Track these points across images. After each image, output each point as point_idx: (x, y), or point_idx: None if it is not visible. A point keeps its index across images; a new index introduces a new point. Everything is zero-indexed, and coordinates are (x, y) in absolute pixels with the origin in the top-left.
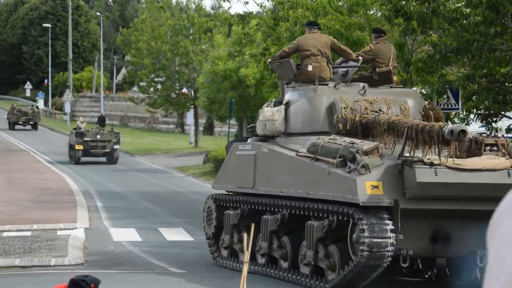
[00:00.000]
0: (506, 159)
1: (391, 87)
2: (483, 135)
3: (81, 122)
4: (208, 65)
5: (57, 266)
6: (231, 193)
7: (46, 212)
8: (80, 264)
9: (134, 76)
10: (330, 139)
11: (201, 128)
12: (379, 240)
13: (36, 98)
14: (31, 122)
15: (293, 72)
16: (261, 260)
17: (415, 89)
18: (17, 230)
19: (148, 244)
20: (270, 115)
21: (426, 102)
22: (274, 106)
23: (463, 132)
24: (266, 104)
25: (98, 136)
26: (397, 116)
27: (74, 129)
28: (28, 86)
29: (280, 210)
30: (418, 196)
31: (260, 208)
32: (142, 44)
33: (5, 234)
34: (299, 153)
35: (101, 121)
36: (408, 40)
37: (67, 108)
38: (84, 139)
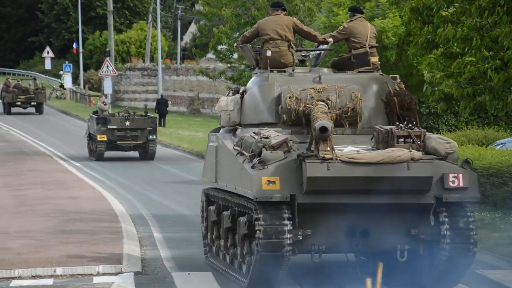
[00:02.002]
0: (409, 151)
1: (359, 72)
2: (398, 127)
3: (104, 103)
4: (322, 15)
5: None
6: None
7: (75, 248)
8: None
9: (208, 36)
10: (254, 132)
11: None
12: (273, 233)
13: (61, 72)
14: (33, 103)
15: (253, 58)
16: (227, 260)
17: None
18: (32, 277)
19: None
20: (224, 105)
21: (395, 87)
22: (233, 95)
23: (323, 129)
24: (227, 93)
25: (127, 123)
26: (347, 106)
27: (95, 112)
28: (48, 53)
29: (231, 206)
30: (313, 191)
31: (223, 204)
32: None
33: (14, 283)
34: (234, 147)
35: (161, 106)
36: None
37: (108, 86)
38: (109, 126)
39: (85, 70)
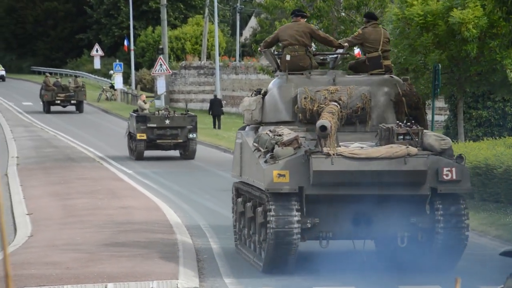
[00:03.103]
0: (407, 147)
1: (371, 74)
2: (398, 125)
3: (144, 101)
4: (395, 6)
5: None
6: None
7: (128, 262)
8: None
9: (269, 31)
10: (269, 130)
11: None
12: (283, 222)
13: (111, 72)
14: (73, 101)
15: (274, 62)
16: (252, 247)
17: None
18: None
19: None
20: (247, 104)
21: (406, 88)
22: (255, 95)
23: (322, 127)
24: (251, 94)
25: (167, 121)
26: (357, 105)
27: (135, 111)
28: (97, 52)
29: (252, 198)
30: (319, 183)
31: (248, 196)
32: None
33: None
34: (253, 143)
35: (215, 106)
36: None
37: (161, 87)
38: (148, 125)
39: (136, 69)
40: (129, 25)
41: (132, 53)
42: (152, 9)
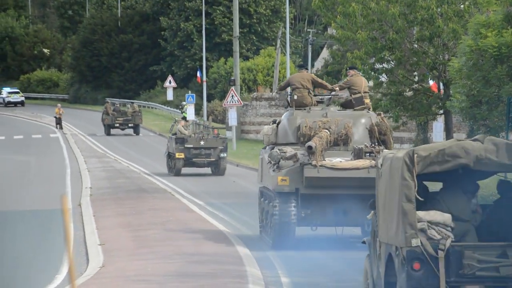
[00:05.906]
0: (370, 161)
1: (354, 110)
2: (365, 146)
3: (184, 127)
4: (468, 38)
5: None
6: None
7: None
8: None
9: (341, 62)
10: (278, 148)
11: None
12: (284, 212)
13: (183, 103)
14: (130, 124)
15: (286, 100)
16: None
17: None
18: None
19: None
20: (266, 131)
21: (378, 120)
22: (272, 124)
23: (309, 147)
24: (270, 123)
25: (202, 143)
26: (342, 132)
27: (174, 134)
28: (170, 83)
29: (267, 197)
30: (310, 186)
31: (265, 196)
32: (355, 6)
33: None
34: (268, 158)
35: None
36: None
37: (233, 118)
38: (186, 145)
39: (208, 100)
40: (202, 56)
41: (205, 84)
42: (225, 41)
